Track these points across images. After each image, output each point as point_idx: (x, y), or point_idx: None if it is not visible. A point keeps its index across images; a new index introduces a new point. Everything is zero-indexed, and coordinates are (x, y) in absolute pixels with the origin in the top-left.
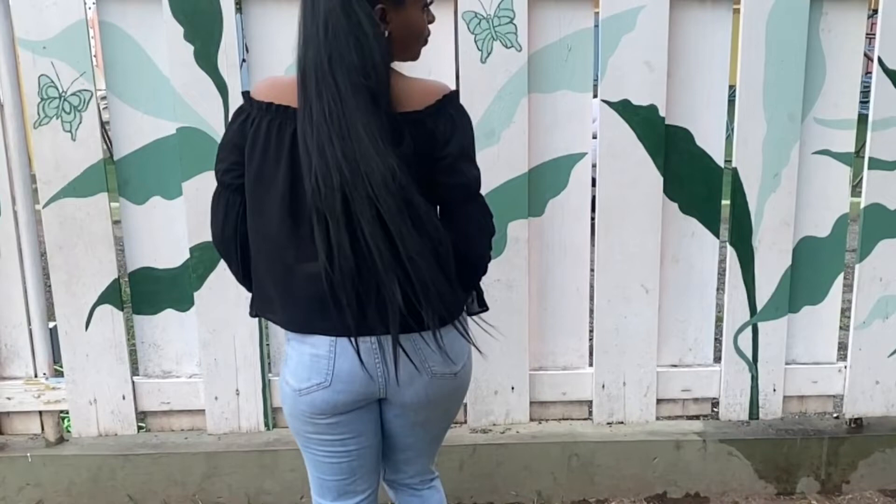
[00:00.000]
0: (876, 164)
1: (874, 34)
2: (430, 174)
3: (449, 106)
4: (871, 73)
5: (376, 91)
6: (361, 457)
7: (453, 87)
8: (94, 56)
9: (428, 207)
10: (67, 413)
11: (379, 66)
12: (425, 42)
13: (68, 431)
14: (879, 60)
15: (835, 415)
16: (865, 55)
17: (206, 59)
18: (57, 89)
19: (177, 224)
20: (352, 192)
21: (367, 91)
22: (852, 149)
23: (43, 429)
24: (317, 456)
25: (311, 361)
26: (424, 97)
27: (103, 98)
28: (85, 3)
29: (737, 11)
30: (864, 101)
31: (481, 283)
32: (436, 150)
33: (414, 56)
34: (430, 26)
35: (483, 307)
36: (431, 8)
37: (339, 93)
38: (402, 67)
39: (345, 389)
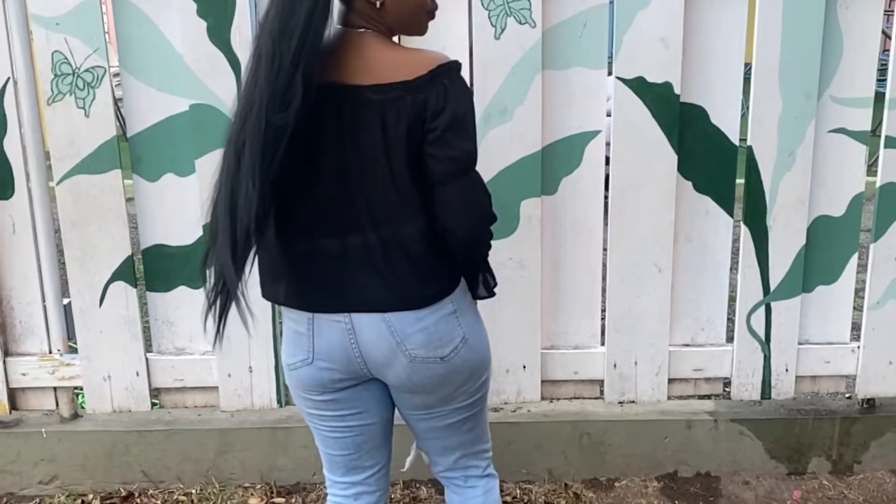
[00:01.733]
0: (892, 142)
1: (892, 11)
2: (421, 145)
3: (444, 76)
4: (888, 50)
5: (285, 55)
6: (365, 433)
7: (456, 60)
8: (107, 33)
9: (404, 183)
10: (82, 389)
11: (296, 28)
12: (430, 16)
13: (82, 407)
14: None
15: (847, 395)
16: (883, 32)
17: (219, 35)
18: (70, 66)
19: (190, 201)
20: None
21: (275, 55)
22: (868, 127)
23: (57, 405)
24: (321, 431)
25: (296, 337)
26: (418, 67)
27: (116, 75)
28: None
29: None
30: (882, 79)
31: (494, 267)
32: (426, 121)
33: (418, 31)
34: (442, 2)
35: (489, 293)
36: None
37: (255, 59)
38: (413, 42)
39: (326, 367)
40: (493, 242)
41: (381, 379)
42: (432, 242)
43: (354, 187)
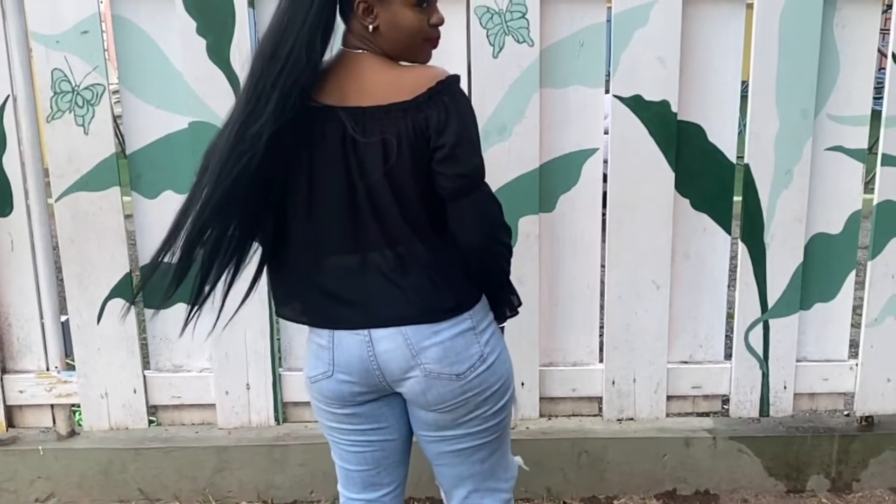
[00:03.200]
0: (889, 160)
1: (888, 29)
2: (429, 164)
3: (443, 93)
4: (884, 68)
5: (268, 77)
6: (385, 449)
7: (454, 74)
8: (107, 50)
9: (414, 201)
10: (79, 406)
11: (284, 53)
12: (431, 43)
13: (79, 425)
14: (894, 56)
15: (846, 412)
16: (879, 51)
17: (219, 53)
18: (70, 83)
19: None
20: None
21: (260, 77)
22: (865, 145)
23: (54, 422)
24: (341, 445)
25: (317, 350)
26: (416, 86)
27: (115, 92)
28: None
29: (750, 7)
30: (878, 97)
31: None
32: (431, 139)
33: (418, 57)
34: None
35: (512, 312)
36: (442, 6)
37: (247, 79)
38: None
39: (346, 380)
40: None
41: (400, 392)
42: (449, 257)
43: (364, 207)
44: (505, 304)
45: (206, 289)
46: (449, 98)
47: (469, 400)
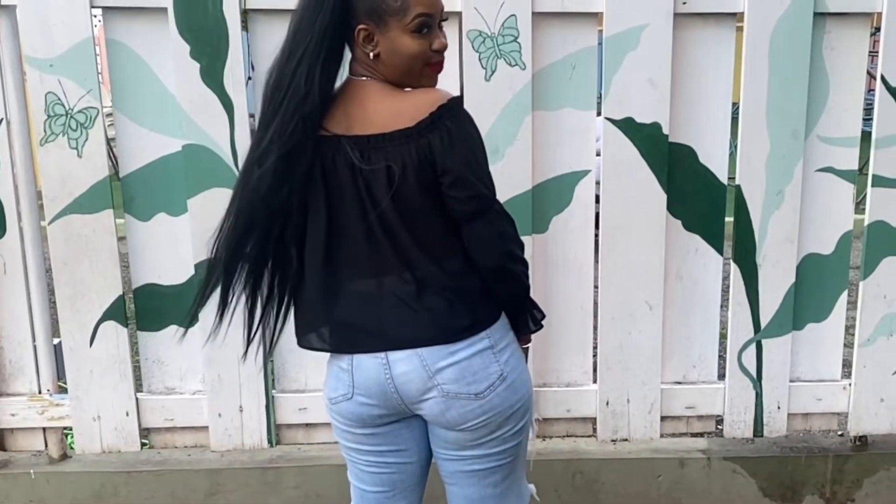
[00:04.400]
0: (879, 181)
1: (877, 52)
2: (438, 188)
3: (445, 117)
4: (873, 90)
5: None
6: (403, 472)
7: (456, 96)
8: (100, 73)
9: (425, 225)
10: (71, 430)
11: (290, 81)
12: (434, 67)
13: (72, 448)
14: (882, 78)
15: (839, 432)
16: (868, 73)
17: (213, 76)
18: (63, 106)
19: (182, 240)
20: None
21: (268, 105)
22: (856, 166)
23: (46, 445)
24: (358, 465)
25: (337, 373)
26: (417, 112)
27: (109, 115)
28: (92, 21)
29: (740, 29)
30: (867, 119)
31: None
32: (436, 164)
33: (421, 82)
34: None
35: (536, 326)
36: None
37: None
38: None
39: (366, 402)
40: None
41: (420, 413)
42: (465, 277)
43: (377, 233)
44: (527, 319)
45: (226, 313)
46: (451, 121)
47: (491, 420)
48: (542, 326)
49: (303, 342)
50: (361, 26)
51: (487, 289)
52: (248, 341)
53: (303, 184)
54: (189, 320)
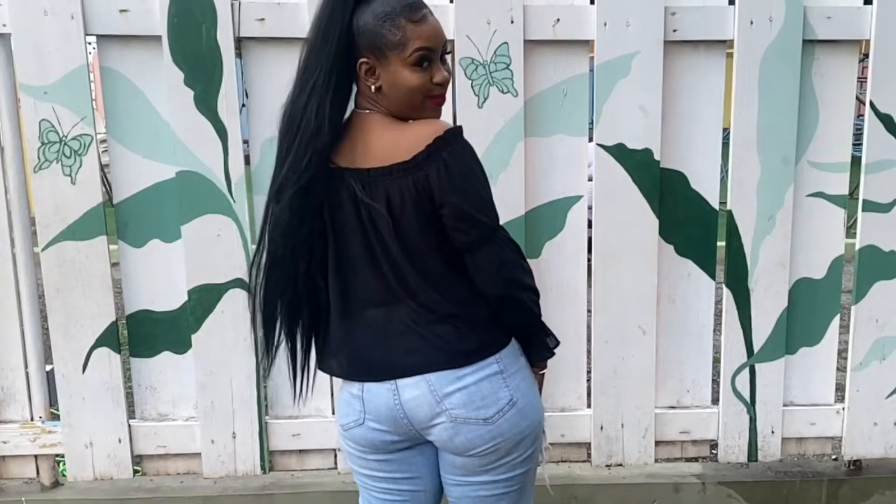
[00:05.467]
0: (870, 206)
1: (866, 77)
2: (438, 219)
3: (442, 149)
4: (863, 115)
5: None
6: (416, 499)
7: (455, 127)
8: (94, 100)
9: (426, 255)
10: (63, 457)
11: (302, 115)
12: (436, 100)
13: (64, 475)
14: (871, 104)
15: (834, 457)
16: (857, 98)
17: (206, 103)
18: (57, 133)
19: (175, 266)
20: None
21: (282, 141)
22: (846, 191)
23: (38, 473)
24: (370, 492)
25: (350, 399)
26: (414, 145)
27: (103, 141)
28: (86, 49)
29: (730, 56)
30: (857, 144)
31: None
32: (434, 196)
33: (422, 115)
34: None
35: (548, 353)
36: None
37: (278, 143)
38: None
39: (377, 428)
40: None
41: (430, 439)
42: (470, 305)
43: (383, 263)
44: (540, 346)
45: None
46: (448, 153)
47: (499, 446)
48: (554, 354)
49: (324, 367)
50: (363, 60)
51: (496, 316)
52: (295, 383)
53: (320, 216)
54: (266, 373)
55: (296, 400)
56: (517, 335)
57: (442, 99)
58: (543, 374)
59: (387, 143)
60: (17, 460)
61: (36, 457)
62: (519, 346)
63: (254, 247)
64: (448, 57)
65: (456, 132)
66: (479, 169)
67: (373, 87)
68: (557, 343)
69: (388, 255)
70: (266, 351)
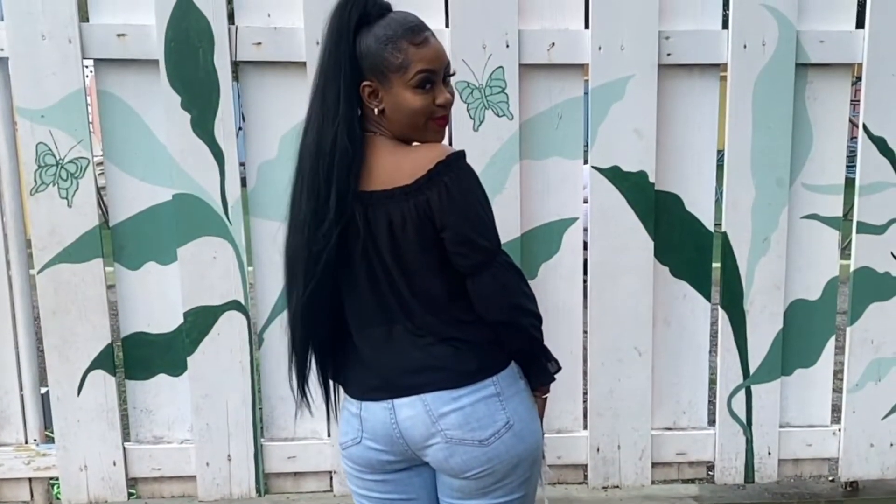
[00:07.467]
0: (864, 227)
1: (858, 100)
2: (439, 242)
3: (443, 173)
4: (856, 138)
5: (320, 173)
6: None
7: (457, 151)
8: (91, 123)
9: (427, 278)
10: (57, 480)
11: (334, 144)
12: (438, 122)
13: (58, 498)
14: (864, 127)
15: (830, 478)
16: (851, 121)
17: (203, 127)
18: (54, 157)
19: (171, 289)
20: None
21: (313, 175)
22: (840, 213)
23: (32, 496)
24: None
25: (349, 417)
26: (415, 169)
27: (100, 164)
28: (83, 73)
29: (724, 79)
30: (850, 166)
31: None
32: (435, 220)
33: (425, 137)
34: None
35: (549, 378)
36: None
37: (298, 177)
38: None
39: (373, 447)
40: None
41: (427, 460)
42: (470, 327)
43: (384, 284)
44: (541, 372)
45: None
46: (450, 178)
47: (495, 468)
48: (555, 379)
49: (338, 378)
50: (366, 83)
51: (496, 339)
52: (328, 410)
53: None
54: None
55: (294, 419)
56: (518, 359)
57: (445, 120)
58: (546, 398)
59: (389, 167)
60: (11, 483)
61: (30, 479)
62: (519, 368)
63: (250, 269)
64: (451, 79)
65: (458, 156)
66: (481, 193)
67: (376, 110)
68: (559, 368)
69: (389, 276)
70: (299, 382)
